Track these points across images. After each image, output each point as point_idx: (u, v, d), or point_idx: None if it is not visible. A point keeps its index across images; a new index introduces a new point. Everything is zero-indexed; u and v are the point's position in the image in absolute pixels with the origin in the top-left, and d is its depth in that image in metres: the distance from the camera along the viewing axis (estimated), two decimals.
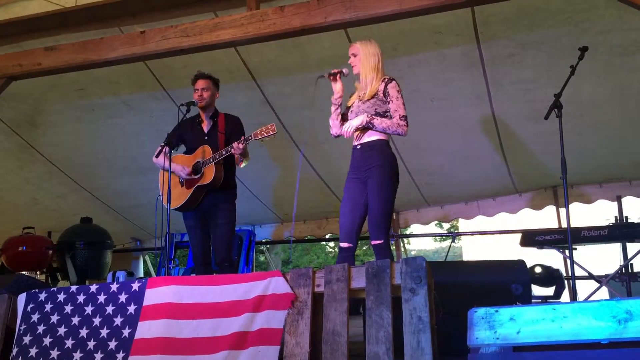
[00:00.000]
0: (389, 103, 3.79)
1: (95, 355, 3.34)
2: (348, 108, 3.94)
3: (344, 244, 3.81)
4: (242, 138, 4.25)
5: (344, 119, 3.95)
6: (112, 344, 3.33)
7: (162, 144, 4.36)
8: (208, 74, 4.52)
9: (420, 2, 3.74)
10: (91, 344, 3.38)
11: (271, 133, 4.16)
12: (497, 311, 2.59)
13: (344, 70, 3.88)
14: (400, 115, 3.76)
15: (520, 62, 4.97)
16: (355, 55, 3.87)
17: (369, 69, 3.82)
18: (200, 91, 4.45)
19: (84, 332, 3.44)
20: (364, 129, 3.80)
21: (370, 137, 3.79)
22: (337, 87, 3.88)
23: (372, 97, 3.79)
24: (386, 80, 3.83)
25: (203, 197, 4.42)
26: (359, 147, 3.83)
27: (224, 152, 4.30)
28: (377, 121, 3.73)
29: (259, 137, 4.19)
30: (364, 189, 3.78)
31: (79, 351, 3.39)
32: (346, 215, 3.81)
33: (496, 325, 2.56)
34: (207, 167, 4.35)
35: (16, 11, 4.84)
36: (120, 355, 3.28)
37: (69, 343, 3.44)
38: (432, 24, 4.63)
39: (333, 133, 3.98)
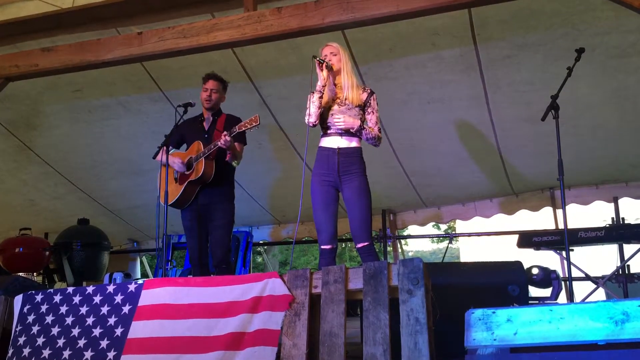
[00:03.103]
0: (368, 114, 3.90)
1: (84, 353, 3.33)
2: (327, 110, 3.92)
3: (327, 246, 3.85)
4: (228, 131, 4.26)
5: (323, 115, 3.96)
6: (104, 343, 3.32)
7: (159, 147, 4.36)
8: (220, 76, 4.55)
9: (417, 4, 3.74)
10: (82, 342, 3.38)
11: (254, 124, 4.17)
12: (494, 312, 2.59)
13: (329, 62, 3.87)
14: (379, 128, 3.92)
15: (517, 64, 4.98)
16: (334, 54, 3.89)
17: (349, 73, 3.88)
18: (210, 92, 4.48)
19: (75, 332, 3.43)
20: (342, 133, 3.85)
21: (350, 143, 3.85)
22: (323, 75, 3.87)
23: (357, 106, 3.85)
24: (369, 91, 3.92)
25: (197, 193, 4.42)
26: (337, 150, 3.84)
27: (212, 147, 4.31)
28: (366, 131, 3.84)
29: (243, 128, 4.21)
30: (336, 192, 3.87)
31: (68, 349, 3.38)
32: (327, 219, 3.86)
33: (493, 326, 2.56)
34: (197, 163, 4.36)
35: (13, 12, 4.83)
36: (111, 354, 3.27)
37: (60, 342, 3.43)
38: (429, 25, 4.63)
39: (311, 121, 3.89)
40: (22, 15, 4.75)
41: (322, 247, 3.87)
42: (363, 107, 3.87)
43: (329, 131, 3.91)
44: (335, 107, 3.89)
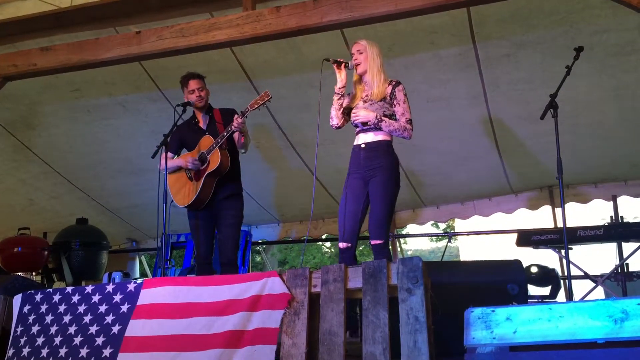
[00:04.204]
0: (395, 106, 3.81)
1: (80, 350, 3.33)
2: (351, 109, 3.92)
3: (342, 245, 3.79)
4: (240, 112, 4.24)
5: (345, 113, 3.95)
6: (100, 340, 3.32)
7: (158, 146, 4.35)
8: (196, 72, 4.51)
9: (416, 3, 3.74)
10: (77, 340, 3.38)
11: (266, 99, 4.16)
12: (493, 311, 2.59)
13: (349, 63, 3.88)
14: (406, 118, 3.80)
15: (516, 63, 4.98)
16: (360, 52, 3.84)
17: (376, 70, 3.82)
18: (197, 91, 4.44)
19: (72, 329, 3.44)
20: (367, 129, 3.81)
21: (375, 137, 3.80)
22: (341, 76, 3.87)
23: (381, 100, 3.80)
24: (394, 83, 3.85)
25: (214, 188, 4.38)
26: (363, 146, 3.82)
27: (225, 134, 4.27)
28: (385, 123, 3.76)
29: (256, 106, 4.19)
30: (365, 188, 3.80)
31: (64, 347, 3.39)
32: (350, 216, 3.79)
33: (493, 325, 2.56)
34: (212, 154, 4.33)
35: (11, 11, 4.82)
36: (107, 351, 3.26)
37: (57, 340, 3.43)
38: (427, 24, 4.63)
39: (333, 124, 3.95)
40: (20, 14, 4.74)
41: (340, 245, 3.83)
42: (390, 101, 3.82)
43: (357, 129, 3.90)
44: (360, 103, 3.88)
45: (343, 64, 3.87)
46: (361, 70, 3.87)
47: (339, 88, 3.88)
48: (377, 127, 3.78)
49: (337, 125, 3.95)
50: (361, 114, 3.78)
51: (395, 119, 3.81)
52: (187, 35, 4.20)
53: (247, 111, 4.21)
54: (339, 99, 3.90)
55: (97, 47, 4.44)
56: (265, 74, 5.42)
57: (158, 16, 4.61)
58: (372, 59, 3.83)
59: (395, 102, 3.81)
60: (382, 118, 3.75)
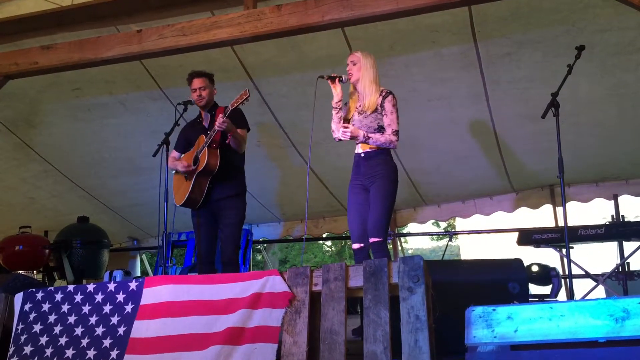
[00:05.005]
0: (384, 117, 3.90)
1: (87, 352, 3.33)
2: (348, 120, 4.00)
3: (356, 245, 3.94)
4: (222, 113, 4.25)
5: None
6: (107, 342, 3.32)
7: (159, 145, 4.35)
8: (203, 71, 4.51)
9: (417, 1, 3.74)
10: (85, 342, 3.38)
11: (245, 97, 4.15)
12: (494, 310, 2.59)
13: (342, 77, 3.97)
14: (392, 130, 3.90)
15: (517, 61, 4.98)
16: (354, 64, 3.94)
17: (369, 81, 3.91)
18: (199, 90, 4.44)
19: (79, 331, 3.43)
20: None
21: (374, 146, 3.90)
22: (337, 90, 3.97)
23: (373, 112, 3.88)
24: (384, 93, 3.93)
25: (208, 188, 4.38)
26: (362, 155, 3.92)
27: (211, 133, 4.30)
28: (372, 140, 3.86)
29: (236, 104, 4.18)
30: (367, 195, 3.91)
31: (71, 348, 3.38)
32: (354, 220, 3.94)
33: (494, 323, 2.56)
34: (201, 154, 4.35)
35: (12, 10, 4.83)
36: (114, 353, 3.27)
37: (63, 341, 3.43)
38: (429, 23, 4.63)
39: (336, 137, 4.03)
40: (21, 13, 4.75)
41: (352, 246, 3.98)
42: (381, 112, 3.90)
43: None
44: (355, 115, 3.98)
45: (337, 79, 3.95)
46: (354, 80, 3.96)
47: (336, 102, 3.99)
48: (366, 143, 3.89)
49: (338, 138, 4.01)
50: (353, 131, 3.84)
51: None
52: (188, 34, 4.21)
53: (228, 110, 4.22)
54: (337, 113, 4.00)
55: (98, 45, 4.44)
56: (266, 73, 5.42)
57: (159, 15, 4.62)
58: (365, 69, 3.91)
59: (384, 113, 3.90)
60: (369, 136, 3.85)
